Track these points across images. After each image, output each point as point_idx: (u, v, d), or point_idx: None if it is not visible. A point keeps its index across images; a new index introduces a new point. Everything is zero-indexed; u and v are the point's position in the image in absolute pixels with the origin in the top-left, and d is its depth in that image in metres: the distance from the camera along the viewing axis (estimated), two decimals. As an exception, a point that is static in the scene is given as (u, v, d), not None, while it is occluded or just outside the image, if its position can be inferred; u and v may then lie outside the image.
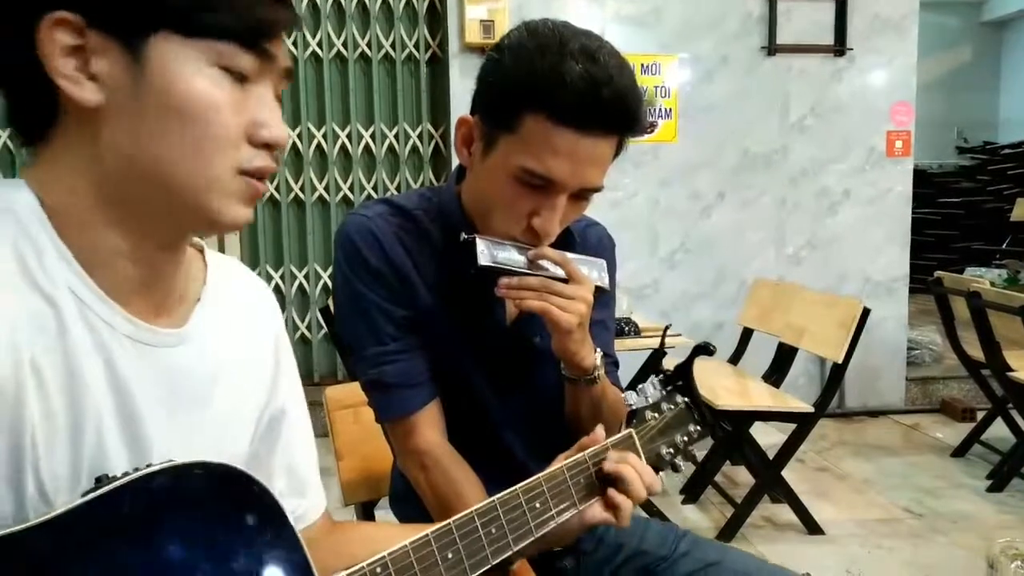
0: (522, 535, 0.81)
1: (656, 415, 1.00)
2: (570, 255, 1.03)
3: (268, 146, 0.63)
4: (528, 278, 0.99)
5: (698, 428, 1.03)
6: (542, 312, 0.98)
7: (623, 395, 1.01)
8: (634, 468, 0.91)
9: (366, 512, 1.38)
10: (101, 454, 0.61)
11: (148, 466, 0.57)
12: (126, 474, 0.56)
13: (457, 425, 1.09)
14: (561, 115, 0.91)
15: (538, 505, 0.84)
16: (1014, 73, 7.88)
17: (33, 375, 0.57)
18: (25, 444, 0.57)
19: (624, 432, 0.96)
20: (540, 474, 0.86)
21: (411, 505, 1.11)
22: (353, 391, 1.12)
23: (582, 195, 0.99)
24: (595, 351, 1.06)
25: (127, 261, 0.63)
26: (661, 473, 0.97)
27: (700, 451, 1.07)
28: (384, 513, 1.29)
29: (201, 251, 0.75)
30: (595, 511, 0.91)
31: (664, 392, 1.02)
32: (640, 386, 1.00)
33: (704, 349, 1.03)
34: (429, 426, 1.06)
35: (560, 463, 0.89)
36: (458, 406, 1.09)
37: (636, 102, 0.95)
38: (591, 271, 1.06)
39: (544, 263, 1.01)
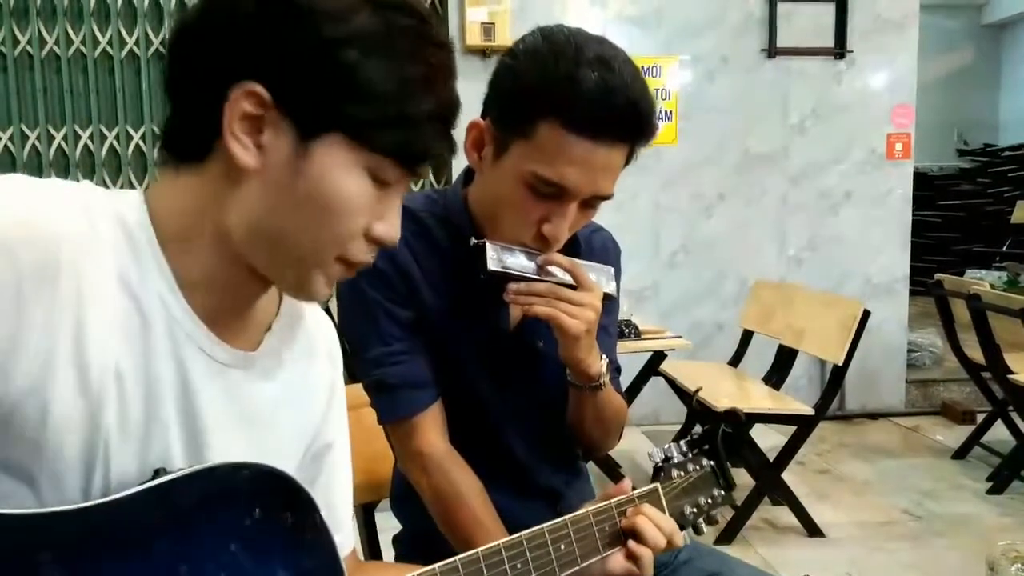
0: (546, 573, 0.83)
1: (682, 473, 1.01)
2: (579, 261, 1.04)
3: (380, 243, 0.67)
4: (537, 284, 0.99)
5: (722, 492, 1.04)
6: (550, 318, 0.98)
7: (649, 452, 1.02)
8: (650, 519, 0.91)
9: (366, 513, 1.38)
10: (164, 461, 0.64)
11: (202, 463, 0.61)
12: (181, 469, 0.60)
13: (459, 427, 1.09)
14: (576, 123, 0.91)
15: (563, 547, 0.85)
16: (1014, 75, 7.88)
17: (116, 382, 0.61)
18: (99, 444, 0.60)
19: (650, 486, 0.97)
20: (566, 516, 0.87)
21: (412, 506, 1.11)
22: (355, 393, 1.12)
23: (591, 203, 0.99)
24: (601, 358, 1.06)
25: (218, 289, 0.67)
26: (684, 532, 0.98)
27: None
28: (385, 515, 1.29)
29: None
30: (617, 562, 0.91)
31: (690, 454, 1.03)
32: (667, 445, 1.02)
33: (732, 416, 1.07)
34: (431, 428, 1.06)
35: (586, 509, 0.90)
36: (460, 408, 1.09)
37: (649, 110, 0.95)
38: (599, 277, 1.06)
39: (553, 269, 1.01)
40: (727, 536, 2.69)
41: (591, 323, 1.00)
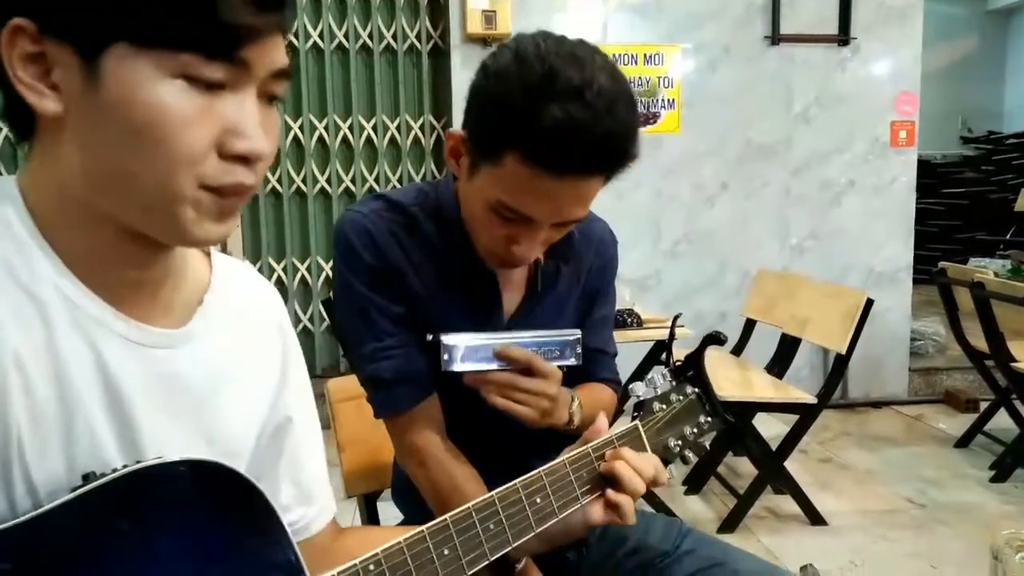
0: (522, 530, 0.80)
1: (664, 406, 0.99)
2: (543, 335, 1.04)
3: (243, 159, 0.58)
4: (494, 375, 1.00)
5: (708, 419, 1.02)
6: (506, 409, 1.00)
7: (631, 386, 1.00)
8: (629, 463, 0.89)
9: (368, 504, 1.38)
10: (96, 455, 0.60)
11: (137, 463, 0.56)
12: (114, 471, 0.55)
13: (455, 420, 1.09)
14: (537, 158, 0.88)
15: (539, 500, 0.82)
16: (1019, 62, 7.83)
17: (17, 371, 0.56)
18: (11, 441, 0.56)
19: (630, 425, 0.95)
20: (541, 468, 0.85)
21: (413, 497, 1.11)
22: (355, 383, 1.12)
23: (563, 224, 0.99)
24: (570, 402, 1.07)
25: (110, 262, 0.62)
26: (671, 465, 0.96)
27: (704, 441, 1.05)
28: (386, 505, 1.29)
29: (208, 254, 0.73)
30: (596, 511, 0.89)
31: (673, 383, 1.01)
32: (648, 376, 0.99)
33: (715, 339, 1.02)
34: (426, 422, 1.06)
35: (562, 457, 0.89)
36: (456, 401, 1.09)
37: (624, 139, 0.91)
38: (564, 351, 1.06)
39: (513, 354, 1.00)
40: (729, 524, 2.70)
41: (545, 409, 1.02)
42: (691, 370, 1.03)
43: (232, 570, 0.59)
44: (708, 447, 1.03)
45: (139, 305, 0.64)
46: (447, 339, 0.99)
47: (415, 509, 1.13)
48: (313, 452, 0.81)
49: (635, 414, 0.98)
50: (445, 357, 0.98)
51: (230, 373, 0.70)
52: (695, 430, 1.00)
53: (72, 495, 0.54)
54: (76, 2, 0.54)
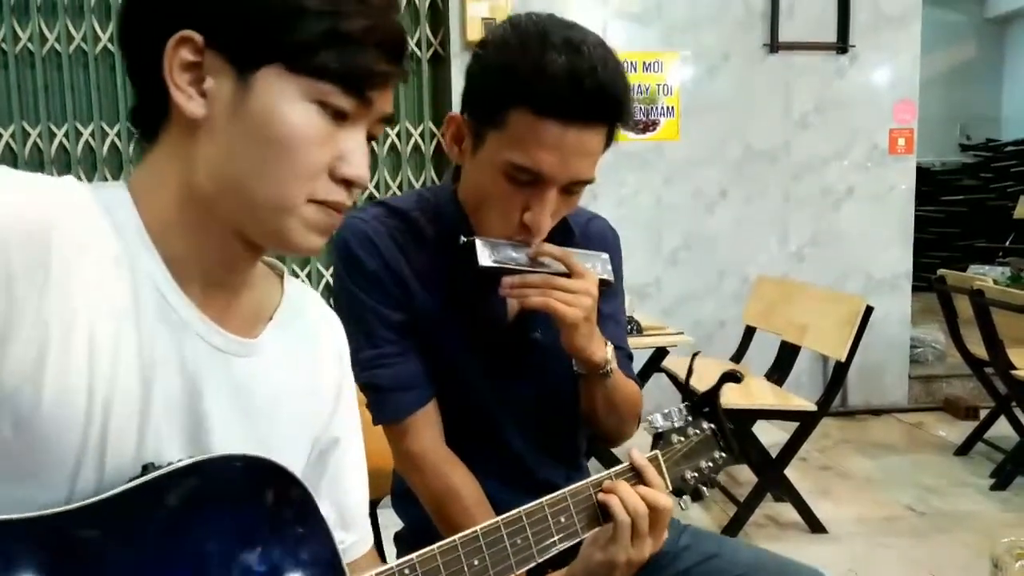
0: (547, 547, 0.83)
1: (682, 439, 1.00)
2: (571, 250, 1.03)
3: (347, 183, 0.65)
4: (530, 276, 0.99)
5: (723, 455, 1.03)
6: (546, 308, 0.98)
7: (650, 417, 1.01)
8: (617, 495, 0.88)
9: (369, 510, 1.38)
10: (160, 449, 0.63)
11: (191, 457, 0.60)
12: (170, 464, 0.59)
13: (457, 423, 1.09)
14: (544, 107, 0.91)
15: (563, 519, 0.85)
16: (1018, 70, 7.85)
17: (110, 359, 0.60)
18: (94, 423, 0.59)
19: (650, 454, 0.96)
20: (566, 489, 0.87)
21: (413, 504, 1.11)
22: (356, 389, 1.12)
23: (572, 189, 0.99)
24: (606, 345, 1.06)
25: (208, 263, 0.66)
26: (685, 496, 0.98)
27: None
28: (387, 511, 1.29)
29: (281, 276, 0.77)
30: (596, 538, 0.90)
31: (690, 418, 1.03)
32: (667, 410, 1.01)
33: (731, 377, 1.03)
34: (424, 429, 1.06)
35: (589, 480, 0.90)
36: (458, 404, 1.09)
37: (621, 91, 0.95)
38: (594, 264, 1.06)
39: (546, 260, 1.00)
40: (730, 532, 2.68)
41: (588, 310, 0.99)
42: (707, 406, 1.04)
43: (274, 562, 0.63)
44: (720, 482, 1.04)
45: (217, 308, 0.68)
46: (480, 239, 0.98)
47: (415, 515, 1.13)
48: (356, 477, 0.83)
49: (655, 445, 0.99)
50: (480, 250, 0.97)
51: (292, 389, 0.74)
52: (710, 464, 1.02)
53: (132, 484, 0.57)
54: (246, 25, 0.61)
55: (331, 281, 4.11)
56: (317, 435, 0.78)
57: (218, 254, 0.67)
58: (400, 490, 1.20)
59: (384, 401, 1.06)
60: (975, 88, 7.81)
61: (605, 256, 1.09)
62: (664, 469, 0.96)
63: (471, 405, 1.10)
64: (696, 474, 1.00)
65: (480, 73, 0.97)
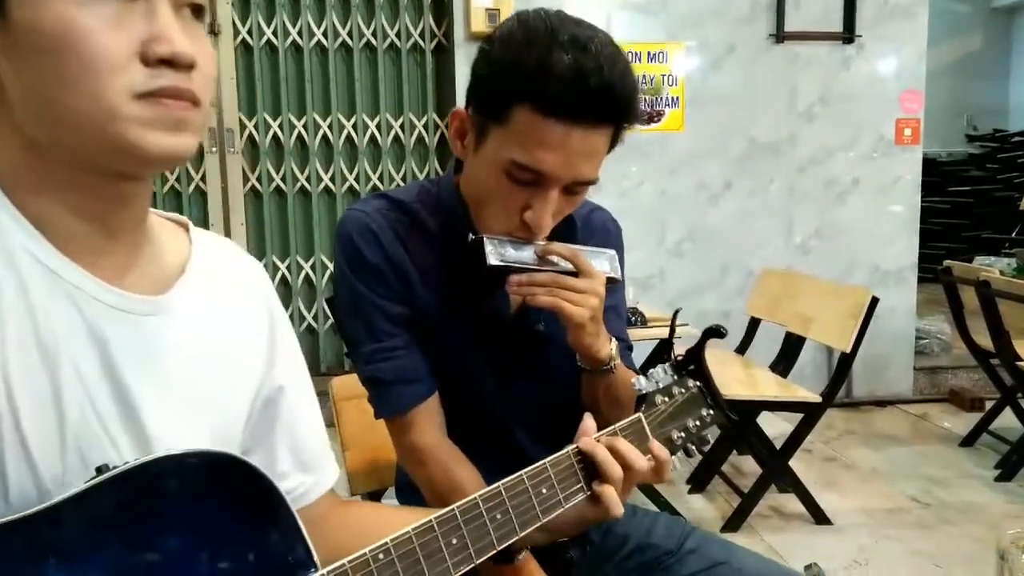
0: (528, 520, 0.80)
1: (667, 399, 0.99)
2: (580, 248, 1.02)
3: (169, 63, 0.57)
4: (538, 274, 0.98)
5: (710, 412, 1.02)
6: (553, 307, 0.97)
7: (632, 380, 0.99)
8: (609, 449, 0.87)
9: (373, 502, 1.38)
10: (89, 425, 0.60)
11: (149, 456, 0.57)
12: (126, 463, 0.56)
13: (461, 418, 1.09)
14: (548, 106, 0.90)
15: (544, 491, 0.83)
16: (1024, 60, 7.81)
17: None
18: (2, 415, 0.56)
19: (633, 417, 0.95)
20: (546, 460, 0.85)
21: (417, 496, 1.11)
22: (357, 383, 1.12)
23: (575, 189, 0.98)
24: (610, 341, 1.05)
25: (75, 217, 0.60)
26: (674, 457, 0.96)
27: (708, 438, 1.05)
28: (391, 503, 1.29)
29: (186, 228, 0.73)
30: (587, 505, 0.88)
31: (675, 377, 1.01)
32: (650, 371, 0.99)
33: (715, 332, 1.01)
34: (426, 422, 1.06)
35: (569, 448, 0.88)
36: (461, 397, 1.09)
37: (628, 92, 0.93)
38: (602, 263, 1.05)
39: (553, 258, 1.00)
40: (734, 524, 2.69)
41: (595, 309, 0.99)
42: (692, 364, 1.03)
43: (243, 560, 0.60)
44: (710, 440, 1.03)
45: (113, 268, 0.63)
46: (488, 238, 0.98)
47: (420, 506, 1.13)
48: (309, 420, 0.81)
49: (638, 407, 0.98)
50: (489, 249, 0.97)
51: (219, 344, 0.70)
52: (698, 423, 1.01)
53: (85, 486, 0.54)
54: None
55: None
56: (257, 383, 0.74)
57: (83, 198, 0.60)
58: (404, 483, 1.20)
59: (386, 395, 1.06)
60: (982, 78, 7.77)
61: (612, 253, 1.09)
62: (648, 431, 0.95)
63: (474, 398, 1.10)
64: (683, 433, 0.99)
65: (485, 69, 0.96)
